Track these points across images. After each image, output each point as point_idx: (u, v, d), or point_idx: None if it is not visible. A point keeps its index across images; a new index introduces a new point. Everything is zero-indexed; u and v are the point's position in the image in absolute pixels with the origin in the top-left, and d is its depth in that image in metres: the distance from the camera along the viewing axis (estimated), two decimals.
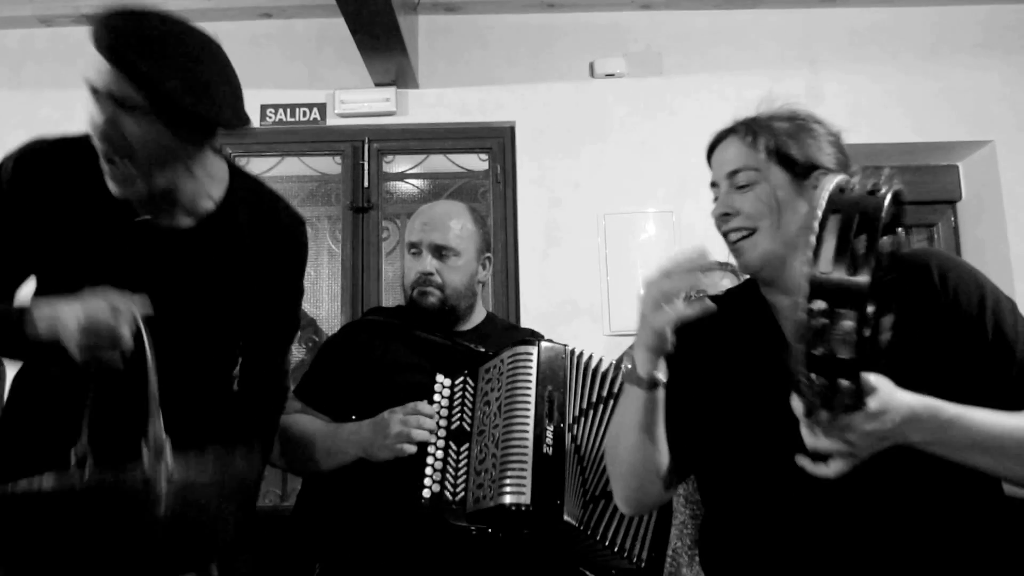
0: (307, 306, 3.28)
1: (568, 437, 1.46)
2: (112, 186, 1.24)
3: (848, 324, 0.79)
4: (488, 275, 1.85)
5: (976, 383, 1.01)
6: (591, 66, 3.31)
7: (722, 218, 1.18)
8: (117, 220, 1.29)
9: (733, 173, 1.17)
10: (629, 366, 1.10)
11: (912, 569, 1.00)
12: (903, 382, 1.01)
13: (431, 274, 1.70)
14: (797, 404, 0.87)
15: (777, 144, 1.14)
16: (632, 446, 1.12)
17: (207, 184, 1.35)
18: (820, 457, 0.90)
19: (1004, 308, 1.05)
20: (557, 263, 3.15)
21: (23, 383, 1.36)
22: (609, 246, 3.16)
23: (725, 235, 1.18)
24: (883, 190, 0.86)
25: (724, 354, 1.19)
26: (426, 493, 1.44)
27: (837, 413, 0.84)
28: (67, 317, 1.10)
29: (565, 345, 1.58)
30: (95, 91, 1.18)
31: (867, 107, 3.22)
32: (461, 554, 1.49)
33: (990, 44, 3.30)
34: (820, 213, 0.84)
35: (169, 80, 1.17)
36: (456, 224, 1.74)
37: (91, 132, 1.21)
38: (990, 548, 1.01)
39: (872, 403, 0.85)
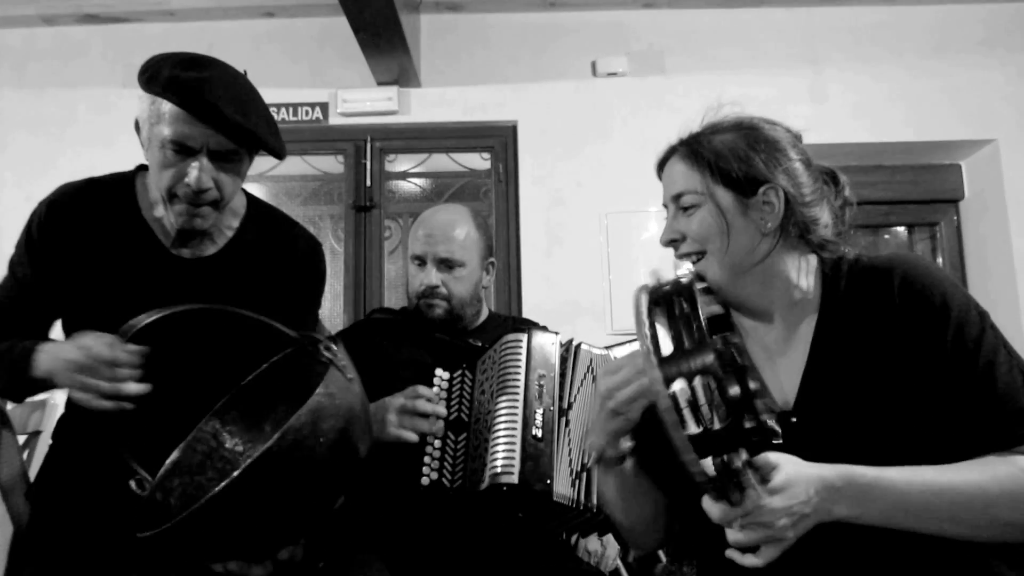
0: None
1: (562, 421, 1.48)
2: (176, 223, 1.29)
3: (711, 391, 0.80)
4: (492, 279, 1.87)
5: (933, 395, 0.97)
6: (593, 65, 3.31)
7: (671, 244, 1.14)
8: (145, 253, 1.33)
9: (677, 196, 1.12)
10: (590, 445, 1.09)
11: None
12: (859, 400, 1.00)
13: (437, 287, 1.72)
14: (707, 507, 0.86)
15: (719, 164, 1.07)
16: (624, 510, 1.14)
17: (229, 212, 1.41)
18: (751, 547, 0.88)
19: (971, 321, 0.98)
20: (559, 262, 3.15)
21: (68, 421, 1.40)
22: (611, 245, 3.16)
23: (678, 259, 1.15)
24: (687, 275, 0.91)
25: None
26: (424, 481, 1.46)
27: (742, 495, 0.83)
28: (63, 356, 1.12)
29: (557, 333, 1.60)
30: (191, 150, 1.22)
31: (870, 106, 3.22)
32: (465, 541, 1.50)
33: (993, 42, 3.29)
34: (645, 311, 0.86)
35: (260, 127, 1.26)
36: (460, 233, 1.74)
37: (173, 183, 1.25)
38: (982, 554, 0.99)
39: (776, 478, 0.84)
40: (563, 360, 1.55)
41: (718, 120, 1.14)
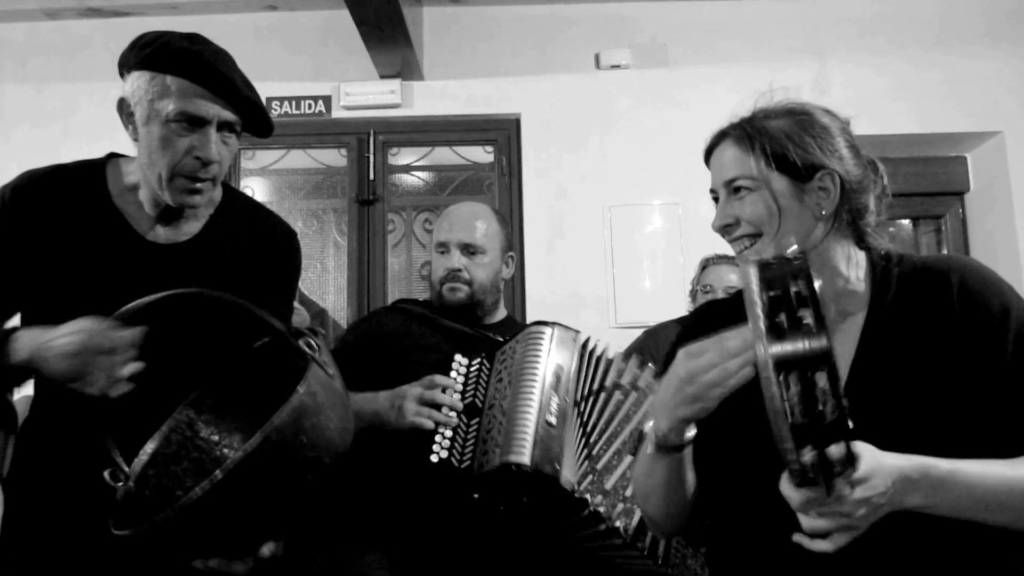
0: (313, 298, 3.30)
1: (574, 413, 1.51)
2: (174, 201, 1.27)
3: (823, 385, 0.78)
4: (511, 273, 1.95)
5: (989, 401, 0.97)
6: (596, 57, 3.30)
7: (724, 229, 1.12)
8: (117, 239, 1.30)
9: (730, 182, 1.09)
10: (650, 428, 1.04)
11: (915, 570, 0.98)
12: (909, 401, 0.99)
13: (459, 270, 1.80)
14: (789, 492, 0.86)
15: (773, 149, 1.06)
16: (666, 497, 1.11)
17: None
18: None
19: None
20: (563, 255, 3.15)
21: (38, 413, 1.37)
22: (615, 238, 3.16)
23: (731, 244, 1.13)
24: (796, 252, 0.86)
25: None
26: (434, 458, 1.49)
27: (829, 484, 0.82)
28: (56, 342, 1.08)
29: (578, 332, 1.66)
30: (202, 121, 1.22)
31: (873, 98, 3.21)
32: (469, 526, 1.52)
33: (997, 34, 3.28)
34: (757, 289, 0.83)
35: (256, 97, 1.26)
36: (482, 224, 1.85)
37: (180, 157, 1.24)
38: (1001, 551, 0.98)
39: (859, 470, 0.84)
40: (581, 356, 1.61)
41: (769, 105, 1.13)
